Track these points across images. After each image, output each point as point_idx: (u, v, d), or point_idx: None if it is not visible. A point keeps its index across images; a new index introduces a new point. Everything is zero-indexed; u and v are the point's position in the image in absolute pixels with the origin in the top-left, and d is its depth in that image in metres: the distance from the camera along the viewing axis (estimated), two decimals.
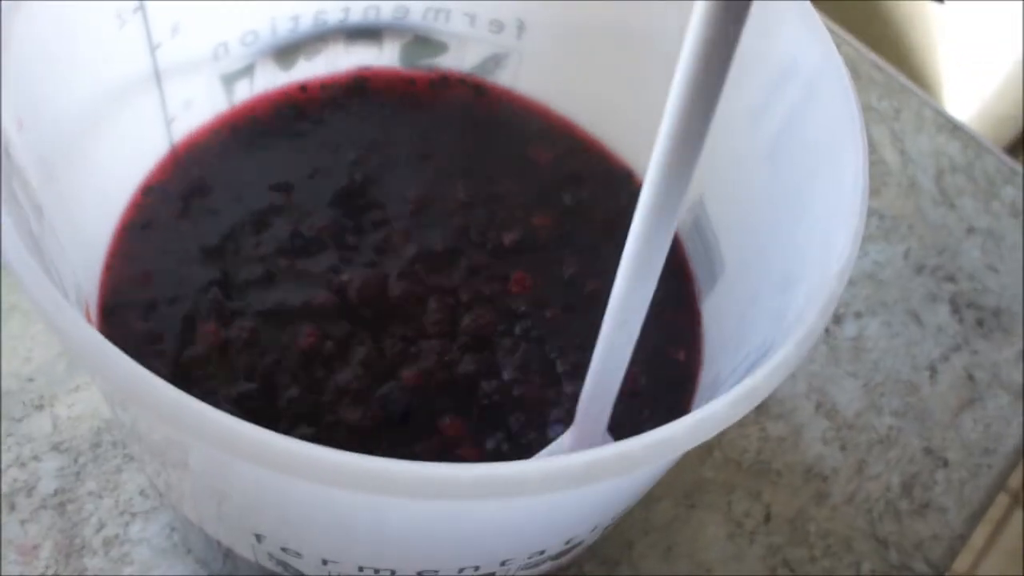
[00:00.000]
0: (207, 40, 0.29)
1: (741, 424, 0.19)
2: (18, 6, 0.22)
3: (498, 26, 0.32)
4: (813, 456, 0.36)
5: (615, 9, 0.31)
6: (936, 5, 0.55)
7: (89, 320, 0.26)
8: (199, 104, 0.31)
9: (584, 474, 0.17)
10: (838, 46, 0.25)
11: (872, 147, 0.46)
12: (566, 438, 0.23)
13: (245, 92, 0.32)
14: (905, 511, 0.36)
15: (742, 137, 0.27)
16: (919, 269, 0.42)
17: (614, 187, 0.33)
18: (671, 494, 0.34)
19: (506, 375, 0.28)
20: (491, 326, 0.28)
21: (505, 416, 0.27)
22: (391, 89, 0.34)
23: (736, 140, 0.28)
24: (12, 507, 0.31)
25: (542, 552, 0.23)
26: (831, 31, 0.49)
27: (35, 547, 0.30)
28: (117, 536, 0.31)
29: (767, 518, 0.35)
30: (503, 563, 0.22)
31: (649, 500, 0.34)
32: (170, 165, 0.30)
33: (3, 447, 0.32)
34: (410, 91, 0.34)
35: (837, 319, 0.40)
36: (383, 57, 0.33)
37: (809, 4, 0.25)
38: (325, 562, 0.22)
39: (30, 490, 0.31)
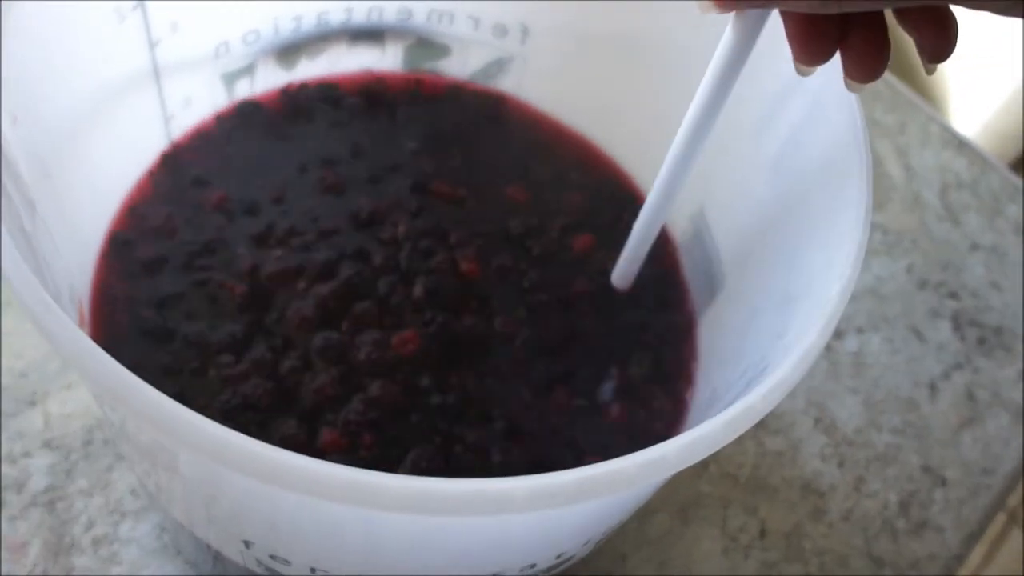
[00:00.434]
0: (208, 38, 0.29)
1: (738, 438, 0.19)
2: (15, 4, 0.21)
3: (502, 30, 0.32)
4: (811, 472, 0.36)
5: (620, 17, 0.30)
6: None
7: (82, 317, 0.26)
8: (199, 102, 0.30)
9: (576, 491, 0.17)
10: None
11: (877, 161, 0.46)
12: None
13: (245, 90, 0.32)
14: (902, 530, 0.36)
15: (746, 149, 0.27)
16: (922, 285, 0.42)
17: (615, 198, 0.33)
18: (666, 507, 0.34)
19: None
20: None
21: None
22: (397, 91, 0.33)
23: (740, 152, 0.27)
24: (2, 504, 0.30)
25: (533, 565, 0.23)
26: None
27: (24, 544, 0.30)
28: (107, 535, 0.30)
29: (762, 534, 0.34)
30: None
31: (643, 513, 0.33)
32: (167, 162, 0.30)
33: None
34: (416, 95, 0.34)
35: (838, 334, 0.39)
36: (386, 59, 0.33)
37: None
38: (313, 570, 0.22)
39: (20, 487, 0.31)
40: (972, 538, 0.36)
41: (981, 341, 0.41)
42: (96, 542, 0.30)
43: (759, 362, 0.23)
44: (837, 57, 0.21)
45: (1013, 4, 0.18)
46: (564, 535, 0.22)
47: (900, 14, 0.20)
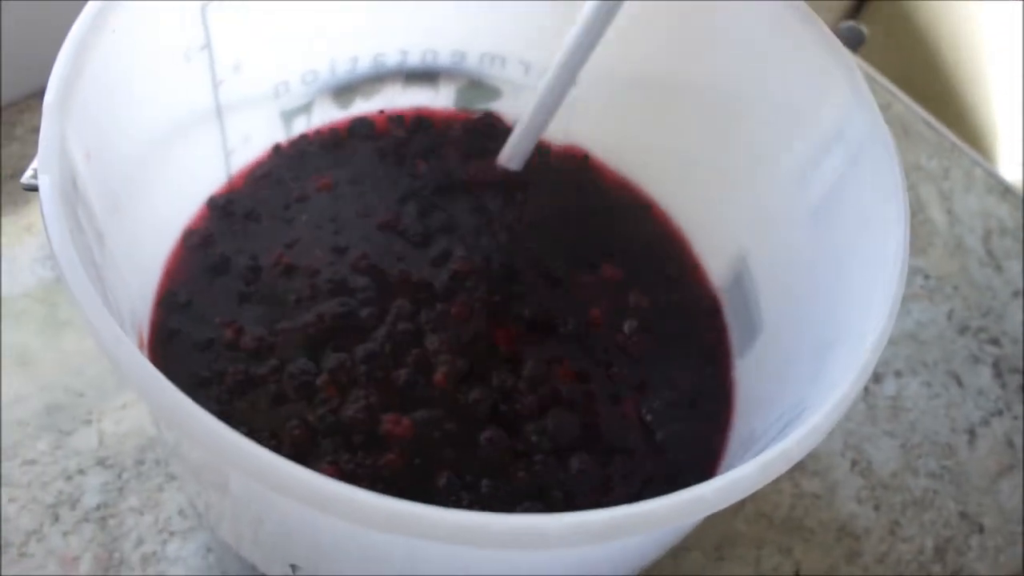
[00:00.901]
0: (269, 78, 0.30)
1: (775, 479, 0.19)
2: (91, 44, 0.23)
3: None
4: (846, 514, 0.36)
5: (666, 62, 0.31)
6: (995, 66, 0.54)
7: (141, 344, 0.27)
8: (258, 138, 0.32)
9: (613, 529, 0.17)
10: (890, 104, 0.25)
11: (919, 206, 0.46)
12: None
13: (302, 127, 0.33)
14: (938, 575, 0.36)
15: (788, 197, 0.28)
16: (962, 330, 0.42)
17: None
18: (701, 545, 0.34)
19: None
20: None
21: None
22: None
23: (782, 200, 0.28)
24: (56, 518, 0.31)
25: None
26: (885, 88, 0.49)
27: (75, 559, 0.31)
28: (155, 553, 0.31)
29: (797, 575, 0.34)
30: None
31: (678, 550, 0.34)
32: (225, 194, 0.31)
33: (51, 459, 0.32)
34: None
35: (876, 378, 0.40)
36: (439, 99, 0.34)
37: (859, 71, 0.25)
38: None
39: (74, 503, 0.32)
40: None
41: (1022, 389, 0.41)
42: (144, 559, 0.31)
43: (796, 405, 0.23)
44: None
45: None
46: (600, 570, 0.23)
47: None
